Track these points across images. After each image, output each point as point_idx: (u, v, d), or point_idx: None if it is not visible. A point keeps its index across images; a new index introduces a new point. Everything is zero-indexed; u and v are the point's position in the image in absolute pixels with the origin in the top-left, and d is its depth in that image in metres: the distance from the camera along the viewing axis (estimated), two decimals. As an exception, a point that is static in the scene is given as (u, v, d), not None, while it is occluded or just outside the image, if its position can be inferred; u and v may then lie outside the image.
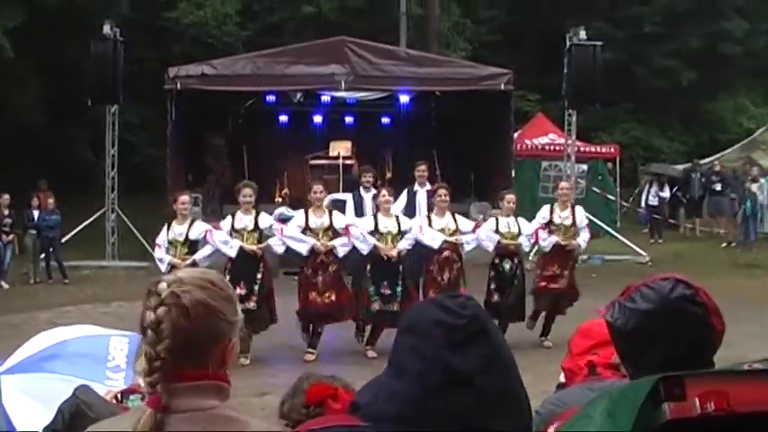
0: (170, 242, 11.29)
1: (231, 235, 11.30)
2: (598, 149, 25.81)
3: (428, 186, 14.15)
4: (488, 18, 31.86)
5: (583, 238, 12.51)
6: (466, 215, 13.93)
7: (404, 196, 14.38)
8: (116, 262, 19.84)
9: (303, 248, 11.38)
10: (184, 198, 11.69)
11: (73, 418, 2.90)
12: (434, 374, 1.87)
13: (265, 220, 11.56)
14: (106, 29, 19.72)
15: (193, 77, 19.43)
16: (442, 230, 11.72)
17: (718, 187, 24.41)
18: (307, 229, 11.41)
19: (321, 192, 11.69)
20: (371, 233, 11.51)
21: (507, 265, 12.04)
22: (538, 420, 2.64)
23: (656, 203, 25.39)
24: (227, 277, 10.60)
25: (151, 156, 24.59)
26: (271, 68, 19.69)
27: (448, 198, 11.98)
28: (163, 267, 11.00)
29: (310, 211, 11.60)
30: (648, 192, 25.83)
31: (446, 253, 11.67)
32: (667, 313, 2.15)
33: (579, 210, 12.72)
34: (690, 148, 31.17)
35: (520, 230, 12.12)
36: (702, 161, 26.79)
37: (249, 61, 20.14)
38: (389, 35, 24.97)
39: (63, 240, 19.18)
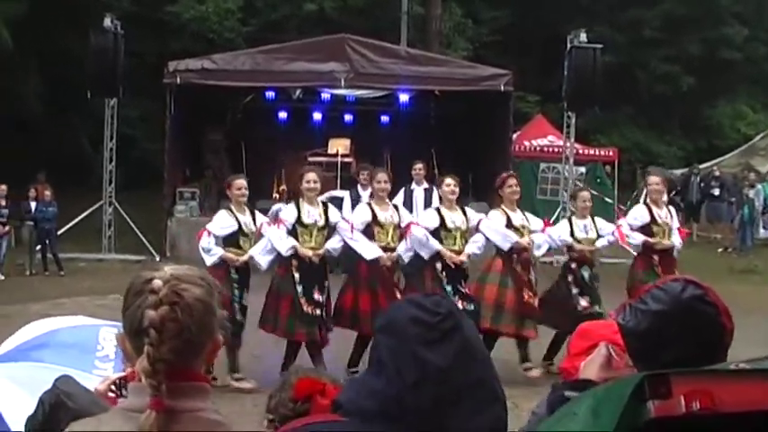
0: (244, 233, 9.55)
1: (296, 229, 9.54)
2: (597, 152, 25.82)
3: (425, 185, 14.12)
4: (490, 19, 31.84)
5: (676, 240, 10.76)
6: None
7: (401, 195, 14.37)
8: (112, 255, 19.80)
9: (368, 255, 9.72)
10: (241, 182, 9.78)
11: (53, 409, 2.88)
12: (411, 372, 1.88)
13: (334, 214, 9.88)
14: (107, 22, 19.63)
15: (193, 72, 19.39)
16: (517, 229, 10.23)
17: (717, 192, 24.43)
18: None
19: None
20: (437, 230, 9.88)
21: (587, 274, 10.60)
22: (534, 420, 2.63)
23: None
24: (299, 281, 9.52)
25: (150, 150, 24.53)
26: (270, 64, 19.64)
27: (518, 190, 10.51)
28: (210, 260, 9.30)
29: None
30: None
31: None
32: (679, 314, 2.18)
33: (672, 209, 11.24)
34: (688, 153, 31.23)
35: (598, 234, 10.76)
36: (701, 166, 26.80)
37: (249, 57, 20.10)
38: (390, 34, 24.95)
39: (59, 232, 19.14)
